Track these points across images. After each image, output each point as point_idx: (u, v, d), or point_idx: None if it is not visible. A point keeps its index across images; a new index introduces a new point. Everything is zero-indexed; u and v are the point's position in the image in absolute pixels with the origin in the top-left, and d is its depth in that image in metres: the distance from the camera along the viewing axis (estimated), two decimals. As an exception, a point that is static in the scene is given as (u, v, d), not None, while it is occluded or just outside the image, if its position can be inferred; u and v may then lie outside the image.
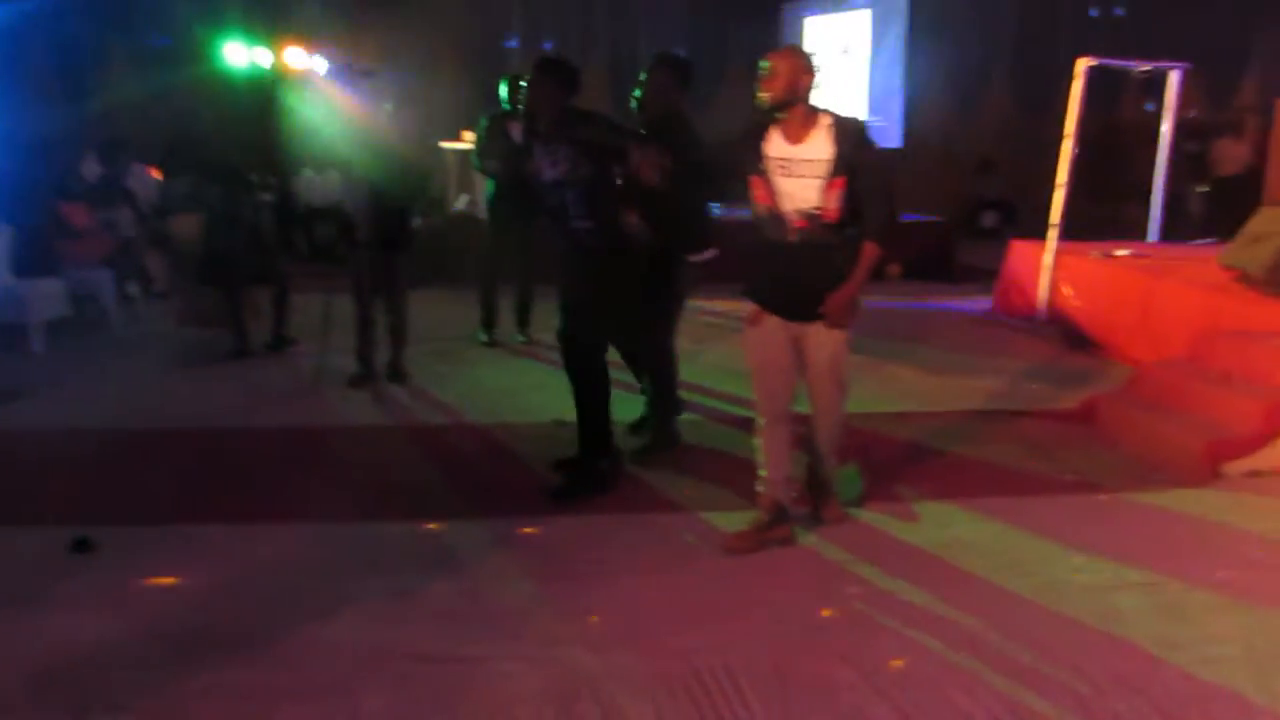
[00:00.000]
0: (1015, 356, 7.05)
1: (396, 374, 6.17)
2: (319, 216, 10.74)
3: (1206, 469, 4.78)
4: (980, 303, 8.93)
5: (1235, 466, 4.81)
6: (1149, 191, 11.04)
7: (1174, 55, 8.40)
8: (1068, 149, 7.78)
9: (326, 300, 5.99)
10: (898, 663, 3.10)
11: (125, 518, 4.11)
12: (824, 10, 12.17)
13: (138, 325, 7.64)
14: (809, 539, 3.98)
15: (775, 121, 3.57)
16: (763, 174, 3.57)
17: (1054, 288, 7.78)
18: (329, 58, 11.50)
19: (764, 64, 3.54)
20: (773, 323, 3.77)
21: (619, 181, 4.13)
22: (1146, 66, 8.21)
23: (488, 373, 6.56)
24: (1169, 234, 9.50)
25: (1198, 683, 3.01)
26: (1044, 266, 7.82)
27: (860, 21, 11.55)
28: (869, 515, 4.24)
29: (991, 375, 6.49)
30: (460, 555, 3.85)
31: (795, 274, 3.65)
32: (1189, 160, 10.71)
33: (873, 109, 10.92)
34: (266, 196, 6.85)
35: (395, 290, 6.13)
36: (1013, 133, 13.04)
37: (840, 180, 3.49)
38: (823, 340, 3.71)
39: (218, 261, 6.70)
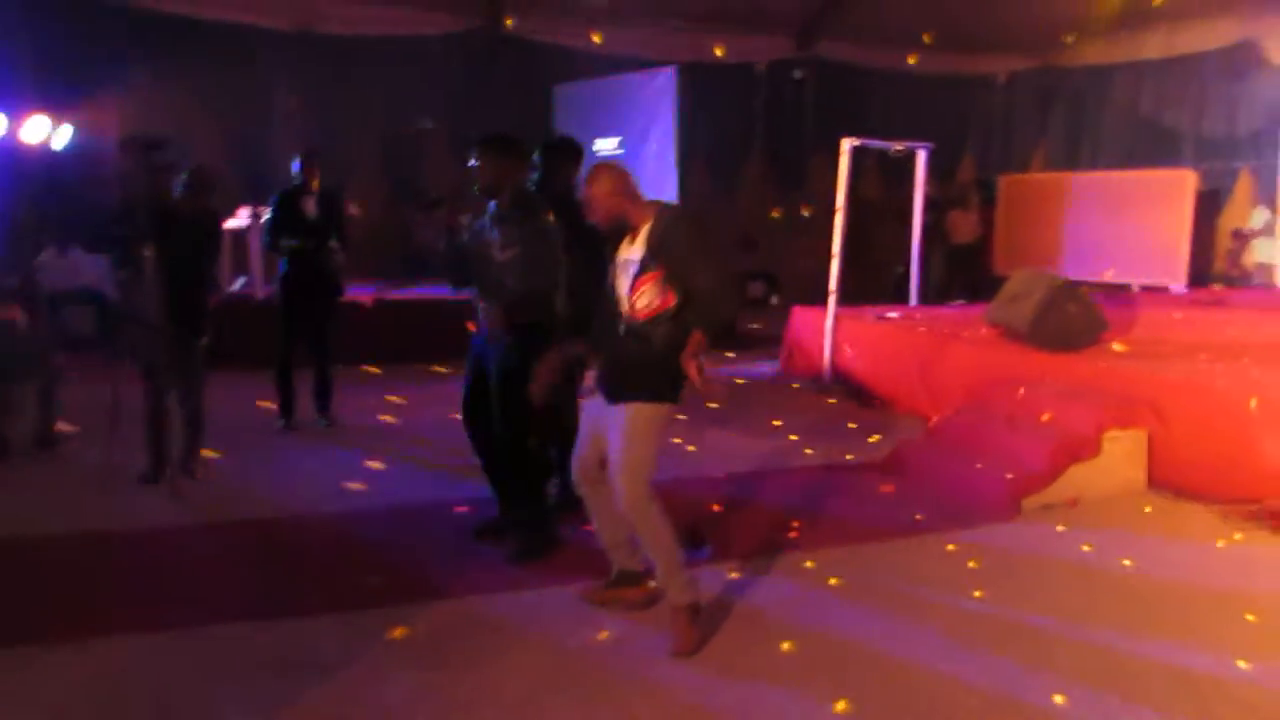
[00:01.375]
0: (811, 414, 7.46)
1: (190, 472, 5.66)
2: (68, 301, 9.90)
3: (1011, 505, 5.23)
4: (765, 367, 9.38)
5: (1032, 502, 5.29)
6: (892, 260, 12.18)
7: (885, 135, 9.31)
8: (839, 221, 8.39)
9: (114, 390, 5.43)
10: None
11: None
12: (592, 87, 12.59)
13: None
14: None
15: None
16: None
17: (836, 349, 8.31)
18: (75, 127, 10.68)
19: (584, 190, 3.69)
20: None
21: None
22: (900, 146, 9.03)
23: (294, 459, 6.18)
24: (903, 297, 10.45)
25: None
26: (825, 330, 8.34)
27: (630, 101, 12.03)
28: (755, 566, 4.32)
29: (800, 433, 6.81)
30: (324, 654, 3.56)
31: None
32: (926, 230, 11.88)
33: (651, 186, 11.39)
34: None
35: (191, 376, 5.67)
36: (767, 209, 13.93)
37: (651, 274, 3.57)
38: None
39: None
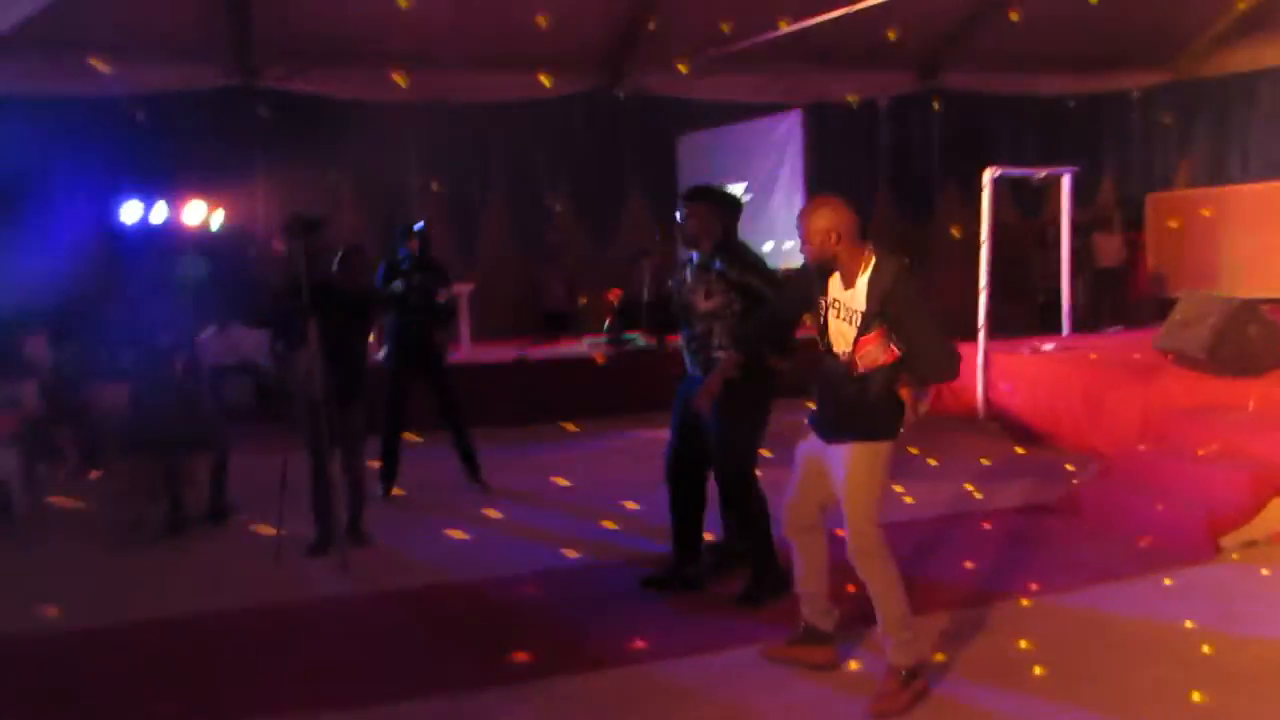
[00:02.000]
0: (973, 456, 7.14)
1: (359, 536, 5.77)
2: (229, 373, 10.37)
3: (1208, 544, 4.87)
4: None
5: (1232, 539, 4.91)
6: (1035, 289, 11.74)
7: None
8: (985, 252, 8.11)
9: (284, 462, 5.59)
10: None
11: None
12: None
13: (49, 507, 6.98)
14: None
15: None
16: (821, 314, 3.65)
17: (990, 385, 7.99)
18: (227, 211, 11.27)
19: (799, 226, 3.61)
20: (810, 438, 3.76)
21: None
22: (1043, 172, 8.71)
23: (449, 524, 6.21)
24: (1048, 326, 10.02)
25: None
26: (977, 365, 8.04)
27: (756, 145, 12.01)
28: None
29: (959, 478, 6.52)
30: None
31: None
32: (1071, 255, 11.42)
33: (777, 232, 11.28)
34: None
35: (353, 445, 5.81)
36: (900, 245, 13.62)
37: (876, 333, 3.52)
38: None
39: (146, 429, 6.22)
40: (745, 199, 12.01)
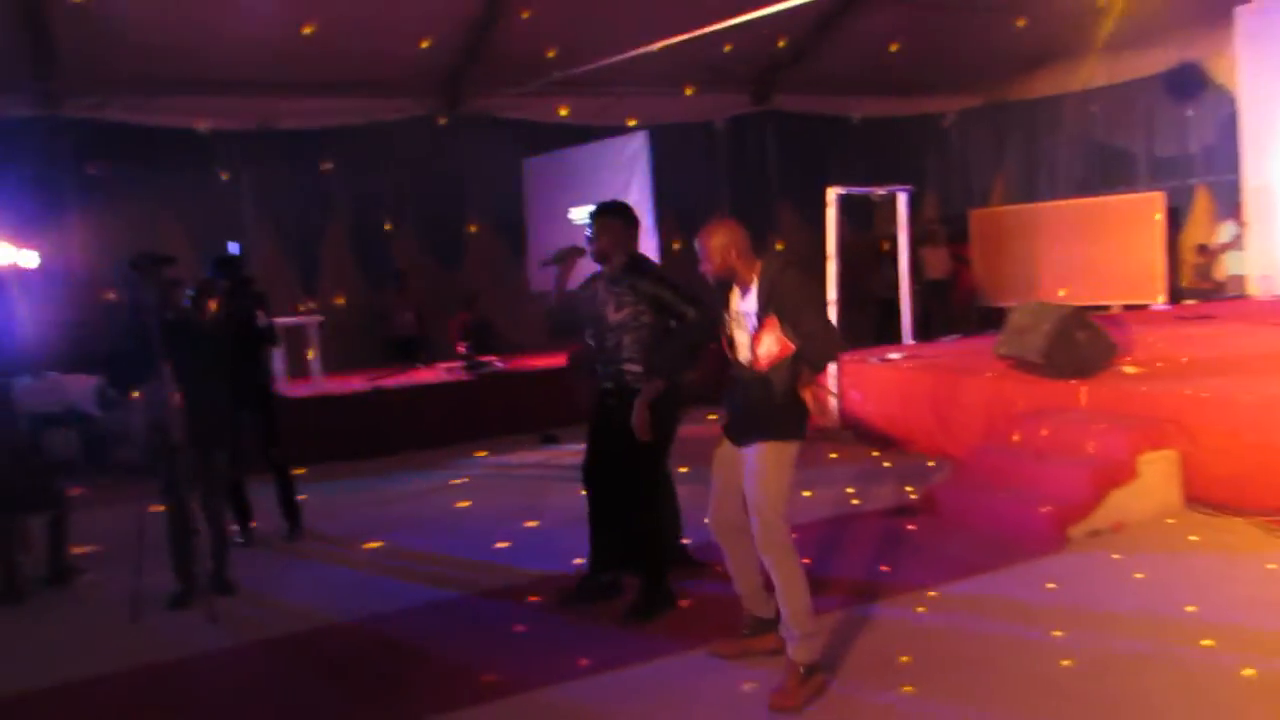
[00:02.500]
0: (830, 464, 7.42)
1: (225, 585, 5.48)
2: (51, 424, 9.64)
3: (1057, 535, 5.23)
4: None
5: (1079, 529, 5.29)
6: (869, 302, 12.32)
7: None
8: (832, 268, 8.46)
9: (141, 512, 5.26)
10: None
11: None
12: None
13: None
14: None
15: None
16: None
17: (842, 395, 8.32)
18: (40, 249, 10.54)
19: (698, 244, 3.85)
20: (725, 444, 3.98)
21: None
22: (881, 191, 9.17)
23: (313, 568, 6.00)
24: (885, 336, 10.55)
25: None
26: (830, 376, 8.36)
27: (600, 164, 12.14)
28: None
29: (824, 485, 6.76)
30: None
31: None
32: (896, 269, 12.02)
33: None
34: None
35: (214, 490, 5.53)
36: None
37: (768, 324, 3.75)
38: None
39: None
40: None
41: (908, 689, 3.69)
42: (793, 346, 3.68)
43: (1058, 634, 4.10)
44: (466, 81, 12.59)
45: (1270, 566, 4.73)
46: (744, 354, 3.83)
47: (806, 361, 3.68)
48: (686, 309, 4.46)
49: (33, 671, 4.56)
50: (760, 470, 3.72)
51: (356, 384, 9.86)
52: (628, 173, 11.66)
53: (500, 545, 6.02)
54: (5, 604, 5.58)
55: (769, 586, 3.88)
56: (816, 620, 3.77)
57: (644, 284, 4.57)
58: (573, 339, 4.88)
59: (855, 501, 6.39)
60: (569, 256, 4.77)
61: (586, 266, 4.80)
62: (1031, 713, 3.47)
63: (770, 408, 3.71)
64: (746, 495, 3.80)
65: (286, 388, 8.66)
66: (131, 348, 5.54)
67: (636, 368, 4.57)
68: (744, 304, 3.82)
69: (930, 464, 6.98)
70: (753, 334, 3.76)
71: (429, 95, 12.65)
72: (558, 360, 10.68)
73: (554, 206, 12.58)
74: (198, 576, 5.37)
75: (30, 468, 6.00)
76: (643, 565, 4.68)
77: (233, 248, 6.65)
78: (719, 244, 3.78)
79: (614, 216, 4.70)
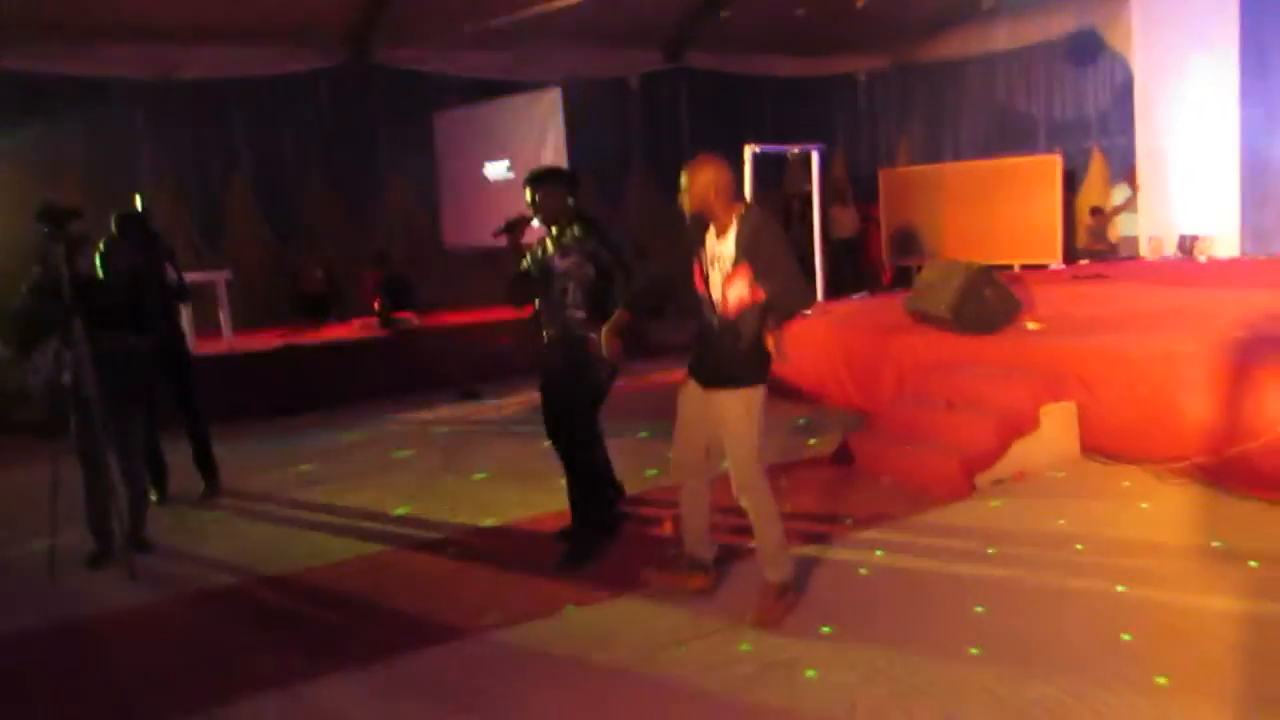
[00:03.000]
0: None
1: (142, 543, 5.40)
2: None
3: (964, 483, 5.49)
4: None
5: (985, 478, 5.57)
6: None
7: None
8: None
9: (54, 467, 5.12)
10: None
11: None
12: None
13: None
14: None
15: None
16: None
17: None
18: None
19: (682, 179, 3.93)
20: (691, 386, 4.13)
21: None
22: (795, 149, 9.33)
23: (235, 524, 5.96)
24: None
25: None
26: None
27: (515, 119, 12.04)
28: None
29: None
30: (348, 714, 3.50)
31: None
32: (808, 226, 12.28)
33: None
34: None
35: (129, 447, 5.42)
36: (655, 216, 14.12)
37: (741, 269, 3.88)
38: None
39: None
40: (508, 176, 12.09)
41: (826, 629, 3.88)
42: (762, 295, 3.80)
43: (968, 574, 4.35)
44: (376, 32, 12.29)
45: (1145, 506, 5.09)
46: (715, 293, 3.92)
47: (777, 310, 3.79)
48: (616, 273, 4.72)
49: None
50: (732, 418, 3.92)
51: (268, 341, 9.68)
52: (541, 129, 11.59)
53: (420, 500, 6.05)
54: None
55: (712, 532, 4.18)
56: (787, 548, 4.11)
57: (589, 240, 4.76)
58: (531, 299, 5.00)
59: (771, 455, 6.56)
60: (519, 225, 4.90)
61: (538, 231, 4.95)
62: (952, 647, 3.68)
63: (737, 355, 3.87)
64: (721, 442, 4.00)
65: (197, 345, 8.45)
66: (33, 305, 5.38)
67: (581, 313, 4.74)
68: (720, 246, 3.90)
69: (843, 417, 7.21)
70: (724, 277, 3.86)
71: (338, 46, 12.32)
72: (476, 317, 10.67)
73: (467, 162, 12.45)
74: (114, 535, 5.29)
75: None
76: (580, 513, 4.87)
77: (137, 203, 6.42)
78: (702, 182, 3.86)
79: (554, 183, 4.84)
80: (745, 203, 3.97)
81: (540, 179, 4.86)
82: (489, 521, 5.50)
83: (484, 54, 12.62)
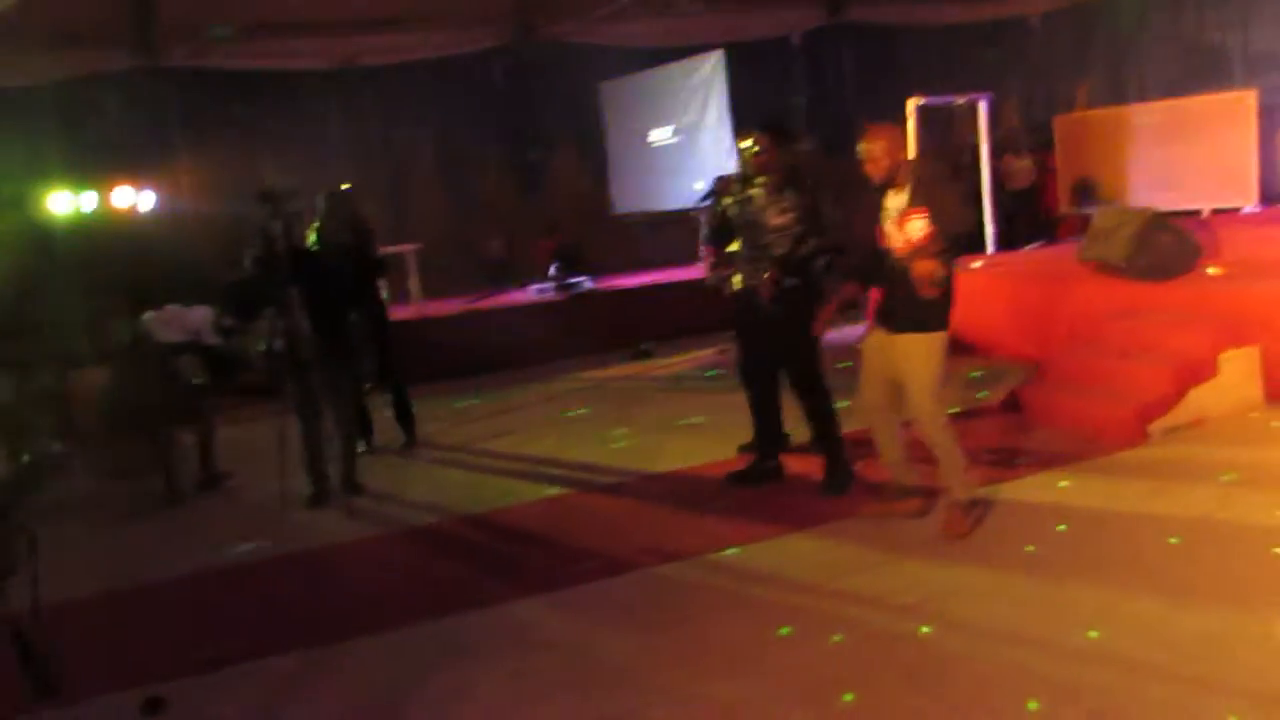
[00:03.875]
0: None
1: (355, 487, 6.02)
2: (177, 352, 10.36)
3: (1138, 431, 5.44)
4: (851, 331, 9.56)
5: (1159, 425, 5.49)
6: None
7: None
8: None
9: (280, 424, 5.79)
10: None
11: (181, 670, 3.87)
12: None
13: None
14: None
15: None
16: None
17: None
18: (157, 192, 11.17)
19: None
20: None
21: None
22: (962, 99, 9.19)
23: (437, 470, 6.53)
24: (972, 246, 10.58)
25: None
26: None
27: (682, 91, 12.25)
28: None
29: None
30: (544, 629, 3.91)
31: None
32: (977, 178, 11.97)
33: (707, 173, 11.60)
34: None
35: (343, 406, 6.02)
36: (817, 175, 14.10)
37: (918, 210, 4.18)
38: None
39: (129, 409, 6.33)
40: (673, 141, 12.36)
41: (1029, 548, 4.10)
42: (933, 229, 4.05)
43: (1139, 513, 4.39)
44: (536, 10, 12.76)
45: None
46: (896, 243, 4.21)
47: (939, 226, 4.05)
48: (816, 231, 4.95)
49: (207, 554, 5.22)
50: (915, 359, 4.27)
51: (454, 307, 10.34)
52: (704, 93, 11.76)
53: (597, 448, 6.46)
54: (170, 505, 6.28)
55: (910, 458, 4.58)
56: (970, 469, 4.47)
57: (805, 199, 4.97)
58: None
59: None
60: (719, 190, 5.27)
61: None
62: (1117, 581, 3.76)
63: (922, 302, 4.17)
64: (902, 384, 4.32)
65: (391, 312, 9.14)
66: (253, 279, 6.03)
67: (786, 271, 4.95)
68: (898, 199, 4.21)
69: (1014, 369, 7.16)
70: (901, 218, 4.14)
71: (505, 25, 12.85)
72: (646, 279, 11.04)
73: (633, 130, 12.77)
74: (329, 479, 5.94)
75: (180, 389, 6.60)
76: (824, 445, 5.19)
77: (346, 188, 7.07)
78: (884, 149, 4.18)
79: (772, 132, 5.05)
80: (919, 158, 4.32)
81: (765, 130, 5.04)
82: (660, 468, 5.83)
83: (645, 23, 12.88)
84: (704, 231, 5.22)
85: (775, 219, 4.96)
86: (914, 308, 4.23)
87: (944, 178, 4.23)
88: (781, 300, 4.94)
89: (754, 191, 5.07)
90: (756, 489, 5.27)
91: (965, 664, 3.28)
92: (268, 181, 6.11)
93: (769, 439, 5.42)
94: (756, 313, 5.05)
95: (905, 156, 4.28)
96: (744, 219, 5.10)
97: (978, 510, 4.49)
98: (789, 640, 3.59)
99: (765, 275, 4.93)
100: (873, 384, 4.49)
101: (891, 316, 4.37)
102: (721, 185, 5.18)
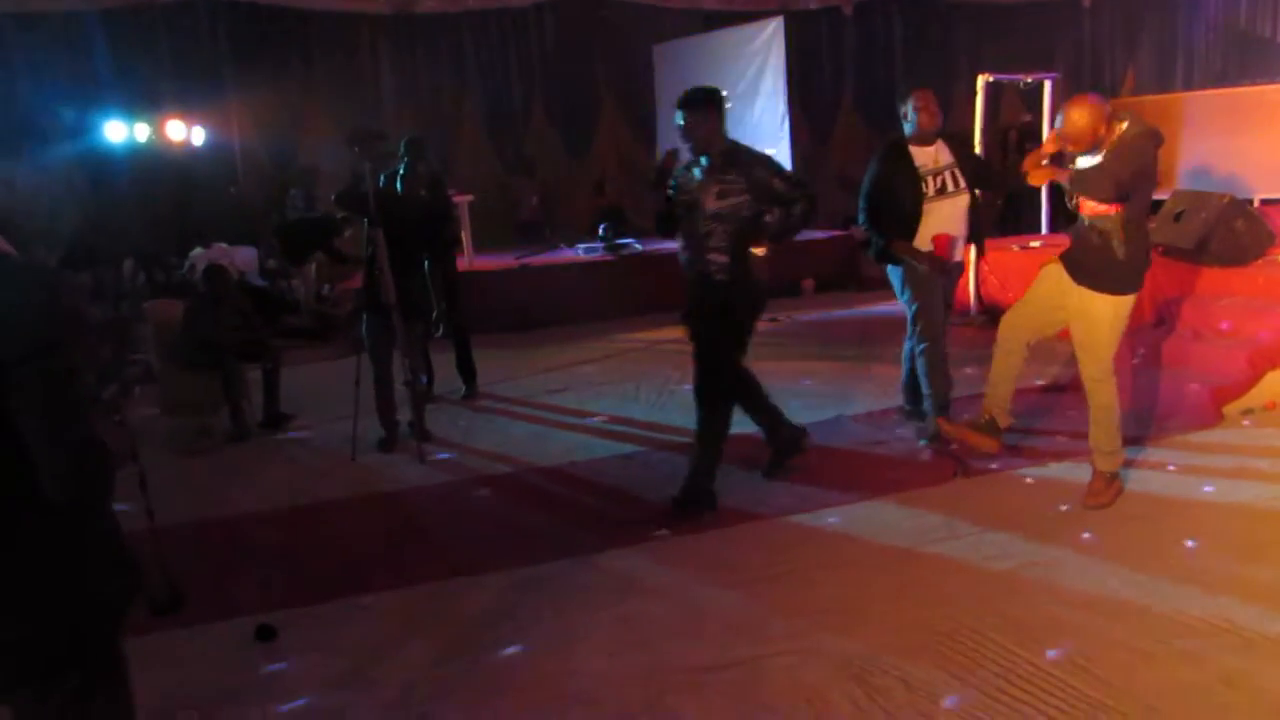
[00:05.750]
0: (973, 347, 7.65)
1: (424, 433, 6.05)
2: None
3: (1213, 411, 5.46)
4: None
5: (1234, 407, 5.51)
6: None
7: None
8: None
9: (358, 363, 5.82)
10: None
11: (285, 601, 3.93)
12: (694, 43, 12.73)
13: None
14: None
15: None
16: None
17: (982, 281, 8.50)
18: (207, 128, 11.16)
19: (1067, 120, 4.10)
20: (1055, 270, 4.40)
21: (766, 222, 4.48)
22: (1029, 78, 9.14)
23: (501, 421, 6.57)
24: (1019, 225, 10.60)
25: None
26: (969, 264, 8.51)
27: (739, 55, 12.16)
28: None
29: (975, 364, 7.02)
30: (642, 578, 3.95)
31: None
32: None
33: (761, 141, 11.53)
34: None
35: (415, 352, 6.04)
36: (865, 149, 14.02)
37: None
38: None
39: (202, 344, 6.36)
40: (727, 108, 12.26)
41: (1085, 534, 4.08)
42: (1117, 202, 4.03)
43: (1211, 495, 4.44)
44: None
45: None
46: (1086, 209, 4.19)
47: (1133, 188, 4.03)
48: (797, 201, 4.44)
49: (276, 495, 5.25)
50: (1100, 319, 4.22)
51: (505, 262, 10.34)
52: (760, 60, 11.66)
53: (658, 407, 6.51)
54: (235, 441, 6.33)
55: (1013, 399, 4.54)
56: (1119, 440, 4.38)
57: (758, 173, 4.43)
58: None
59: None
60: (665, 161, 4.63)
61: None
62: (1185, 565, 3.80)
63: (1118, 262, 4.12)
64: (1076, 338, 4.31)
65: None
66: (302, 222, 6.03)
67: (722, 258, 4.43)
68: (1089, 162, 4.13)
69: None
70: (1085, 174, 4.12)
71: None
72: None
73: (684, 93, 12.65)
74: (399, 425, 5.98)
75: (248, 324, 6.63)
76: (695, 460, 4.68)
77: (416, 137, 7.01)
78: (1090, 123, 4.03)
79: (709, 106, 4.46)
80: (1126, 119, 4.10)
81: (691, 102, 4.44)
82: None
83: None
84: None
85: (713, 203, 4.41)
86: (1112, 265, 4.15)
87: (1130, 148, 4.02)
88: (718, 291, 4.46)
89: (695, 171, 4.51)
90: (803, 459, 5.01)
91: (1071, 630, 3.32)
92: (358, 123, 6.05)
93: (769, 418, 4.98)
94: (700, 304, 4.59)
95: (1107, 124, 4.06)
96: (685, 198, 4.54)
97: (1118, 484, 4.43)
98: (894, 597, 3.63)
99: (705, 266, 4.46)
100: (1030, 311, 4.43)
101: (1080, 268, 4.25)
102: (667, 162, 4.58)
